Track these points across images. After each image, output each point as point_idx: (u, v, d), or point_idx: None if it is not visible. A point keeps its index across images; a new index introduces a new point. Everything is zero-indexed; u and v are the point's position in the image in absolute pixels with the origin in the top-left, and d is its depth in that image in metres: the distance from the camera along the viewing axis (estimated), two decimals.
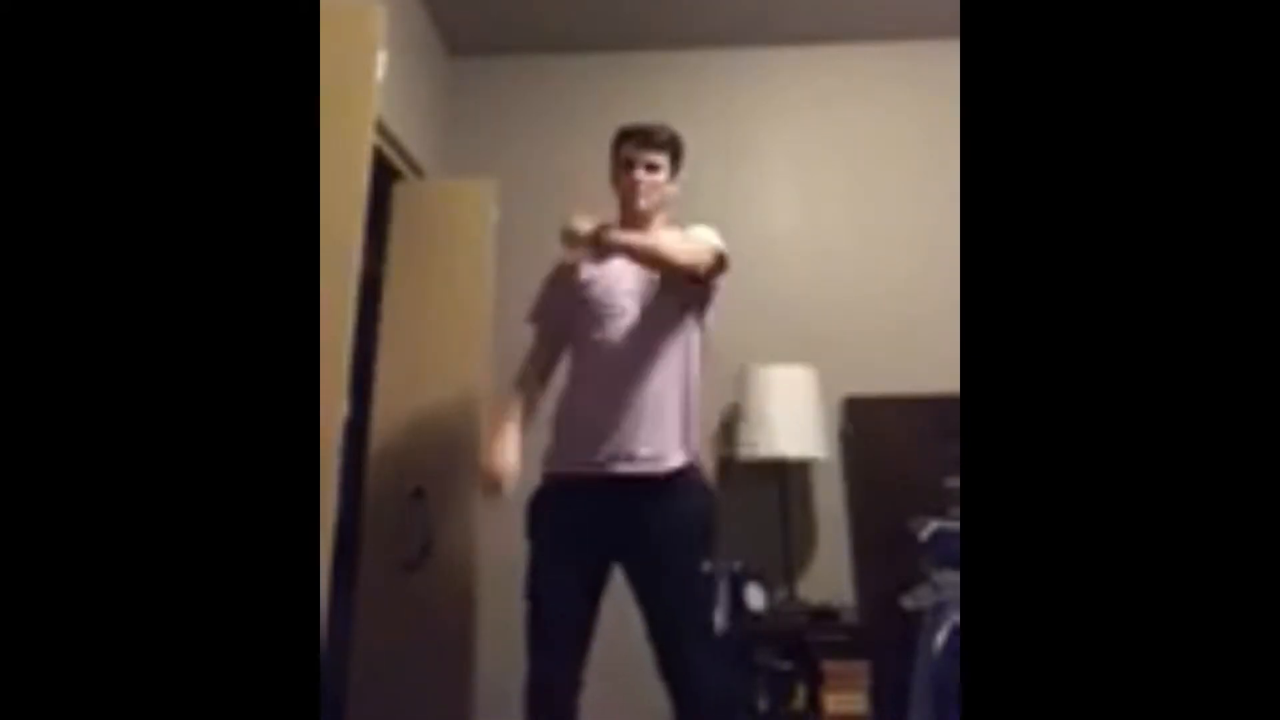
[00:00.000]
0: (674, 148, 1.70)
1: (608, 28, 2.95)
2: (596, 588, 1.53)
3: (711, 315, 1.71)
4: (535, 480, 1.62)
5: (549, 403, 1.70)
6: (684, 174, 1.77)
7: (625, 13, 2.87)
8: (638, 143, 1.66)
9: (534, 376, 1.73)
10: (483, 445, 1.62)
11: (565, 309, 1.68)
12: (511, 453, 1.61)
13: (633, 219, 1.69)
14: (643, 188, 1.65)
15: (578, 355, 1.64)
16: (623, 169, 1.68)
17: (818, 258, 2.83)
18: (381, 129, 2.31)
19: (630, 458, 1.50)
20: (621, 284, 1.61)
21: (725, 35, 2.98)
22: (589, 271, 1.66)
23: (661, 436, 1.52)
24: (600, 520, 1.50)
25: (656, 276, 1.59)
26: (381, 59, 1.63)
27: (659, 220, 1.71)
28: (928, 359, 2.65)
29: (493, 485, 1.59)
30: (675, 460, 1.53)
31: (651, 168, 1.66)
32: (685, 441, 1.56)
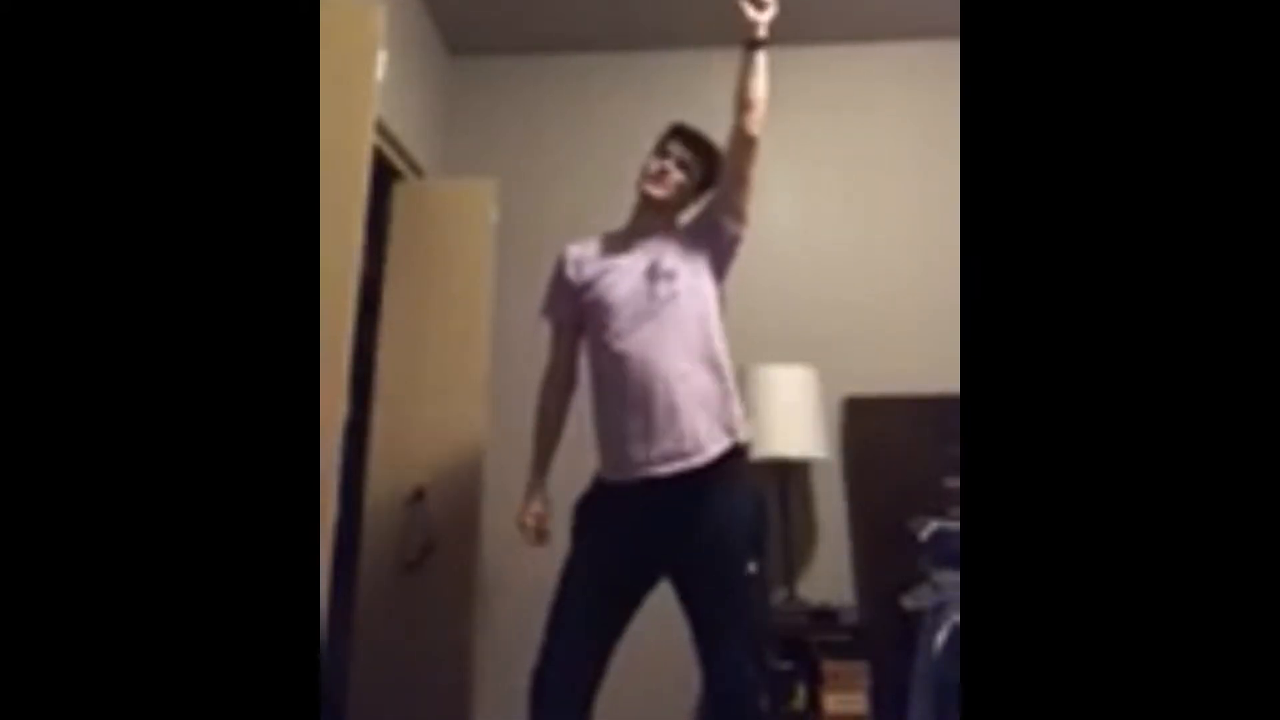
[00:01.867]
0: (711, 159, 1.68)
1: (608, 28, 2.95)
2: (633, 603, 1.51)
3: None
4: (569, 483, 1.61)
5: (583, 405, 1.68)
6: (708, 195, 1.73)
7: (625, 13, 2.87)
8: (681, 139, 1.67)
9: (557, 387, 1.71)
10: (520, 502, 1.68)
11: (572, 300, 1.67)
12: (539, 508, 1.63)
13: (643, 211, 1.69)
14: (667, 179, 1.64)
15: (596, 361, 1.61)
16: (657, 155, 1.67)
17: (818, 258, 2.82)
18: (381, 129, 2.31)
19: (668, 457, 1.47)
20: (627, 281, 1.60)
21: (725, 35, 2.97)
22: (592, 270, 1.65)
23: (698, 426, 1.48)
24: (644, 532, 1.48)
25: (666, 267, 1.58)
26: (381, 59, 1.63)
27: (666, 226, 1.69)
28: (928, 359, 2.65)
29: (532, 536, 1.62)
30: (717, 446, 1.49)
31: (682, 165, 1.66)
32: (726, 423, 1.52)
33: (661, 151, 1.67)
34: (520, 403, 2.63)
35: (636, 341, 1.53)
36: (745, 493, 1.53)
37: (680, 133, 1.68)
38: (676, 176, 1.65)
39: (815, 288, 2.79)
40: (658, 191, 1.64)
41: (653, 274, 1.59)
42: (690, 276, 1.59)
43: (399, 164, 2.53)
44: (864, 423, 2.59)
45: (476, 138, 3.01)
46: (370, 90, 1.60)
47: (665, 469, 1.47)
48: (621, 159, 2.16)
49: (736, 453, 1.52)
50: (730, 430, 1.52)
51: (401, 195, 2.48)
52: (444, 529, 2.16)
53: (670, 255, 1.61)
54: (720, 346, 1.60)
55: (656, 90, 3.00)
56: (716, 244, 1.64)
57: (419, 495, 2.18)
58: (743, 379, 2.44)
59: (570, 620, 1.47)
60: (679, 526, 1.46)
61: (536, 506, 1.62)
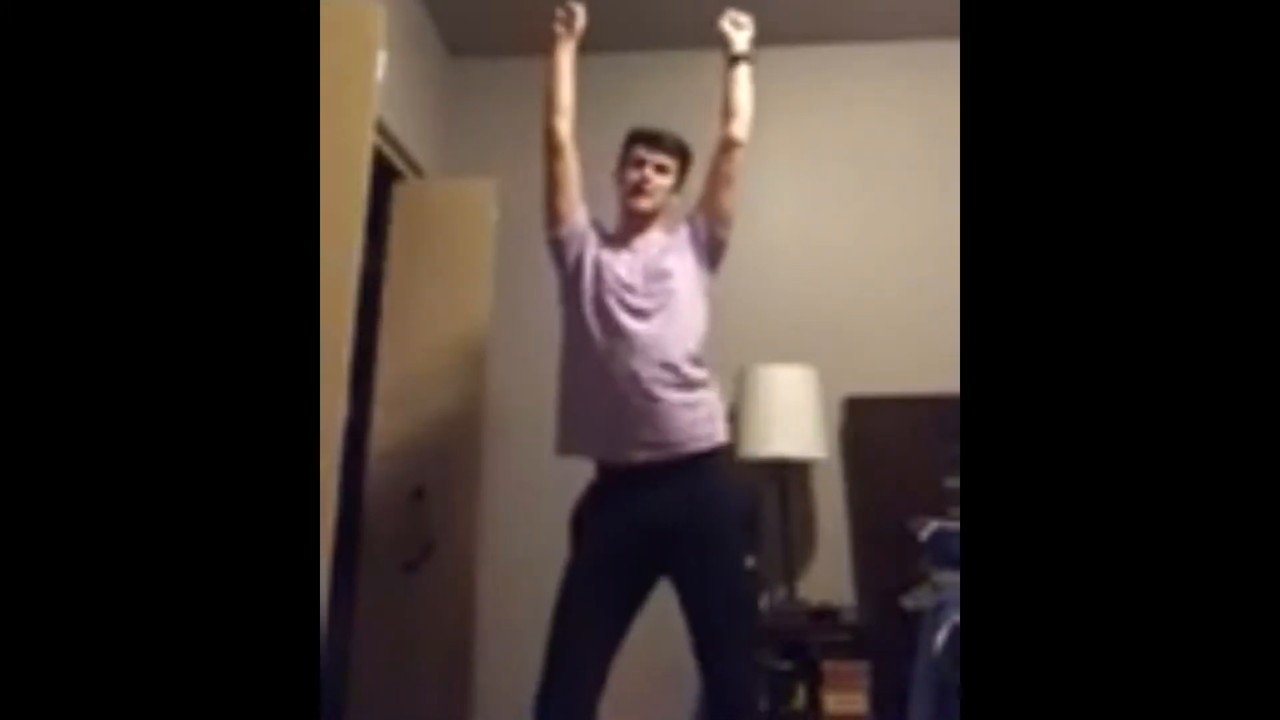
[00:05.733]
0: (683, 155, 1.71)
1: (607, 28, 2.94)
2: (633, 607, 1.50)
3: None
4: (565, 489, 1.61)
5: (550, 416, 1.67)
6: (686, 186, 1.76)
7: (625, 13, 2.87)
8: (649, 144, 1.68)
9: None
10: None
11: (582, 233, 1.67)
12: None
13: (634, 218, 1.68)
14: (649, 187, 1.65)
15: (585, 347, 1.57)
16: (632, 167, 1.67)
17: (818, 258, 2.82)
18: (381, 129, 2.31)
19: (653, 445, 1.47)
20: (630, 275, 1.59)
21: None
22: (594, 250, 1.64)
23: (683, 421, 1.49)
24: (643, 527, 1.47)
25: (663, 266, 1.60)
26: (381, 59, 1.63)
27: (658, 226, 1.70)
28: (928, 359, 2.65)
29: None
30: (700, 442, 1.50)
31: (660, 169, 1.67)
32: (710, 419, 1.54)
33: (636, 162, 1.67)
34: (520, 403, 2.66)
35: (635, 331, 1.53)
36: (736, 487, 1.57)
37: (644, 138, 1.69)
38: (658, 182, 1.66)
39: (815, 288, 2.79)
40: (645, 204, 1.66)
41: (651, 272, 1.59)
42: (684, 278, 1.61)
43: (399, 164, 2.53)
44: (864, 423, 2.59)
45: (476, 138, 3.00)
46: (370, 90, 1.60)
47: (648, 455, 1.47)
48: None
49: (720, 450, 1.55)
50: (712, 426, 1.54)
51: (401, 195, 2.48)
52: (444, 529, 2.16)
53: (665, 256, 1.63)
54: (704, 350, 1.61)
55: (656, 90, 3.00)
56: (706, 248, 1.67)
57: (419, 495, 2.18)
58: (743, 379, 2.45)
59: (575, 639, 1.45)
60: (677, 520, 1.46)
61: None
